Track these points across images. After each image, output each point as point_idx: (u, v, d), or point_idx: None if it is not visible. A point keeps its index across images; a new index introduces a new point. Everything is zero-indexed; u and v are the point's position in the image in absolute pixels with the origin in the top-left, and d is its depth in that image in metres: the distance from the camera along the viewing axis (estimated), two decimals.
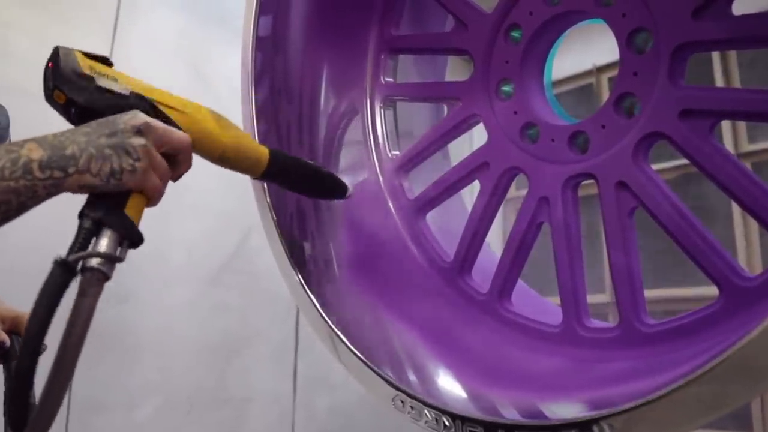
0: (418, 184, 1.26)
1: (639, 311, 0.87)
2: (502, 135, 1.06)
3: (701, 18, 0.81)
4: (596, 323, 0.95)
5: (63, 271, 0.65)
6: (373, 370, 0.98)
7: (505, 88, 1.08)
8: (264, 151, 0.92)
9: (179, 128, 0.79)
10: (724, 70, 2.68)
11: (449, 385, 0.97)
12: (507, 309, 1.05)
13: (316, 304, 1.09)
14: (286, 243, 1.14)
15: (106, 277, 0.69)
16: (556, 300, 1.00)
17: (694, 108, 0.82)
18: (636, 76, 0.88)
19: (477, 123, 1.13)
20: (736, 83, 2.69)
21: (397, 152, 1.33)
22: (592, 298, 0.96)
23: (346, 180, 1.06)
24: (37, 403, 0.65)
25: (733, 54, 2.68)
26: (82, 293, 0.67)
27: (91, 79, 0.73)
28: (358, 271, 1.20)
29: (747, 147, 2.66)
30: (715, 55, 2.69)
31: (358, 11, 1.30)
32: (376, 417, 2.42)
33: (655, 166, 0.88)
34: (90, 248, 0.67)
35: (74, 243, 0.67)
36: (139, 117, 0.72)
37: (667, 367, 0.75)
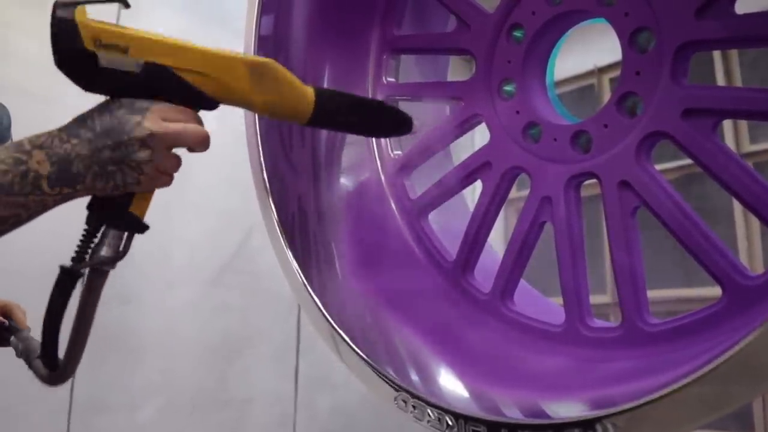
0: (420, 184, 1.26)
1: (642, 311, 0.87)
2: (504, 135, 1.06)
3: (704, 17, 0.81)
4: (599, 323, 0.94)
5: (68, 278, 0.71)
6: (375, 370, 0.98)
7: (507, 88, 1.08)
8: (308, 99, 0.79)
9: (204, 97, 0.71)
10: (725, 70, 2.68)
11: (452, 384, 0.97)
12: (509, 309, 1.05)
13: (318, 303, 1.08)
14: (287, 242, 1.14)
15: (110, 270, 0.74)
16: (558, 301, 1.00)
17: (697, 107, 0.82)
18: (638, 76, 0.88)
19: (479, 123, 1.13)
20: (738, 83, 2.69)
21: (399, 152, 1.33)
22: (593, 299, 0.96)
23: (347, 180, 1.06)
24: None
25: (734, 54, 2.68)
26: (88, 288, 0.73)
27: (93, 57, 0.65)
28: (360, 270, 1.20)
29: (748, 147, 2.66)
30: (717, 56, 2.69)
31: (360, 11, 1.30)
32: (377, 417, 2.42)
33: (656, 167, 0.88)
34: (93, 254, 0.71)
35: (80, 245, 0.71)
36: (145, 127, 0.68)
37: (669, 366, 0.75)
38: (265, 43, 1.19)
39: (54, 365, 0.77)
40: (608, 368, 0.87)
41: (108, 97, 0.71)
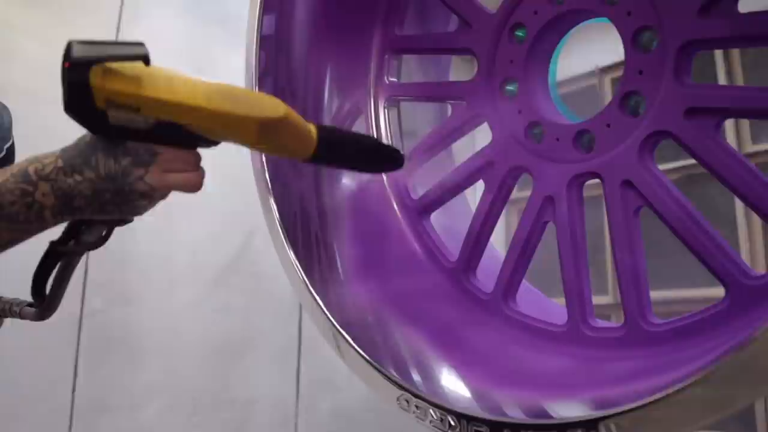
0: (422, 184, 1.26)
1: (644, 311, 0.87)
2: (507, 134, 1.06)
3: (707, 16, 0.81)
4: (601, 323, 0.94)
5: (55, 254, 0.79)
6: (378, 370, 0.97)
7: (510, 88, 1.08)
8: (311, 143, 0.78)
9: (208, 140, 0.73)
10: (727, 71, 2.67)
11: (454, 384, 0.97)
12: (512, 309, 1.05)
13: (321, 304, 1.08)
14: (290, 245, 1.14)
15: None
16: (561, 301, 1.00)
17: (700, 106, 0.81)
18: (641, 75, 0.87)
19: (481, 122, 1.13)
20: (740, 83, 2.68)
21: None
22: (595, 300, 0.96)
23: (349, 180, 1.06)
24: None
25: (736, 54, 2.68)
26: (65, 264, 0.81)
27: (104, 116, 0.65)
28: (362, 271, 1.20)
29: (750, 148, 2.65)
30: (719, 56, 2.69)
31: (362, 11, 1.30)
32: (379, 419, 2.41)
33: (659, 167, 0.88)
34: (78, 237, 0.78)
35: (68, 227, 0.77)
36: (146, 182, 0.70)
37: (672, 366, 0.75)
38: (266, 43, 1.19)
39: (42, 301, 0.86)
40: (611, 368, 0.87)
41: None
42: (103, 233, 0.78)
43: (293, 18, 1.25)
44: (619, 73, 0.91)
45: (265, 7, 1.18)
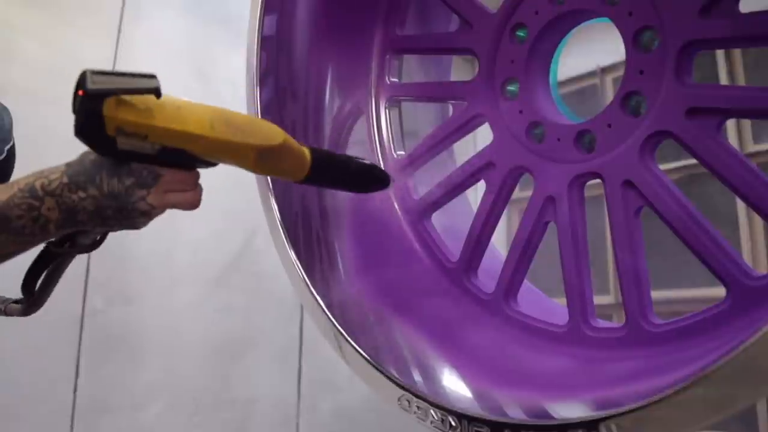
0: (423, 184, 1.26)
1: (645, 311, 0.87)
2: (508, 134, 1.06)
3: (708, 16, 0.81)
4: (603, 323, 0.94)
5: (50, 254, 0.82)
6: (379, 370, 0.97)
7: (511, 88, 1.08)
8: (305, 167, 0.83)
9: (208, 162, 0.77)
10: (729, 71, 2.67)
11: (455, 384, 0.97)
12: (513, 309, 1.05)
13: (322, 304, 1.08)
14: (291, 244, 1.14)
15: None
16: (563, 301, 1.00)
17: (701, 106, 0.81)
18: (642, 75, 0.87)
19: (482, 123, 1.13)
20: (741, 83, 2.68)
21: (402, 152, 1.33)
22: (596, 300, 0.96)
23: None
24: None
25: (738, 54, 2.67)
26: (58, 264, 0.85)
27: (112, 141, 0.68)
28: (364, 271, 1.20)
29: (752, 147, 2.65)
30: (720, 56, 2.68)
31: (363, 11, 1.30)
32: (381, 419, 2.41)
33: (660, 167, 0.88)
34: (73, 240, 0.80)
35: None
36: (148, 203, 0.73)
37: (673, 367, 0.74)
38: (267, 44, 1.19)
39: (30, 296, 0.88)
40: (612, 369, 0.86)
41: None
42: (98, 237, 0.82)
43: (294, 18, 1.25)
44: (620, 73, 0.91)
45: (266, 8, 1.18)
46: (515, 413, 0.84)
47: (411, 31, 1.31)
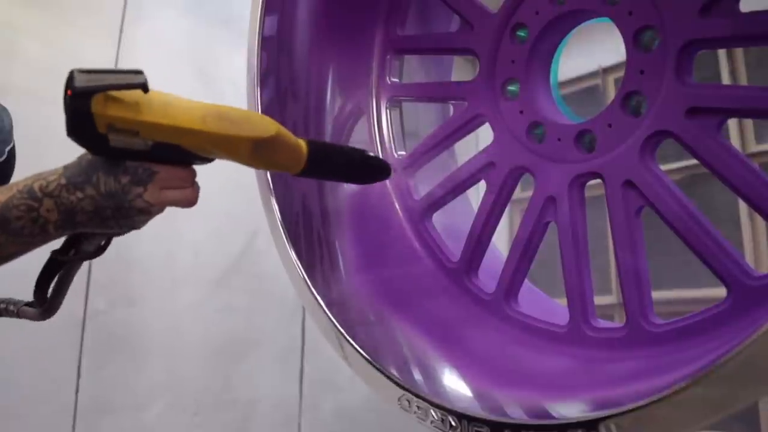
0: (424, 184, 1.26)
1: (646, 311, 0.87)
2: (508, 135, 1.06)
3: (708, 15, 0.81)
4: (603, 323, 0.94)
5: (56, 263, 0.83)
6: (380, 371, 0.97)
7: (511, 88, 1.08)
8: (302, 159, 0.83)
9: (204, 158, 0.77)
10: (731, 70, 2.67)
11: (455, 384, 0.97)
12: (513, 309, 1.05)
13: (323, 304, 1.08)
14: (291, 244, 1.14)
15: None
16: (564, 302, 1.00)
17: (702, 106, 0.81)
18: (643, 75, 0.87)
19: (483, 123, 1.13)
20: (744, 83, 2.67)
21: (403, 152, 1.33)
22: (598, 300, 0.96)
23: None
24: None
25: (739, 54, 2.67)
26: (67, 271, 0.85)
27: (105, 139, 0.69)
28: (364, 271, 1.20)
29: (754, 147, 2.65)
30: (722, 55, 2.68)
31: (364, 11, 1.30)
32: (382, 420, 2.41)
33: (661, 167, 0.88)
34: (77, 247, 0.81)
35: (67, 238, 0.81)
36: (145, 200, 0.73)
37: (674, 366, 0.74)
38: (268, 44, 1.19)
39: (43, 303, 0.89)
40: (612, 369, 0.86)
41: None
42: (102, 243, 0.83)
43: (295, 18, 1.25)
44: (622, 73, 0.91)
45: (267, 8, 1.18)
46: (515, 413, 0.84)
47: (412, 31, 1.32)
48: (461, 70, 1.56)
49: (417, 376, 0.99)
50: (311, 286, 1.10)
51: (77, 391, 1.82)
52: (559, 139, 0.99)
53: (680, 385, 0.63)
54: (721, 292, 0.80)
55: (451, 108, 1.25)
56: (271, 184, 1.16)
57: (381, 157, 1.24)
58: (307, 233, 1.19)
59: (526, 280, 1.07)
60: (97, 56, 1.87)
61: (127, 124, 0.68)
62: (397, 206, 1.27)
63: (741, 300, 0.78)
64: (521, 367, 0.96)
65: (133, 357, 1.97)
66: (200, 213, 2.11)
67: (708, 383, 0.62)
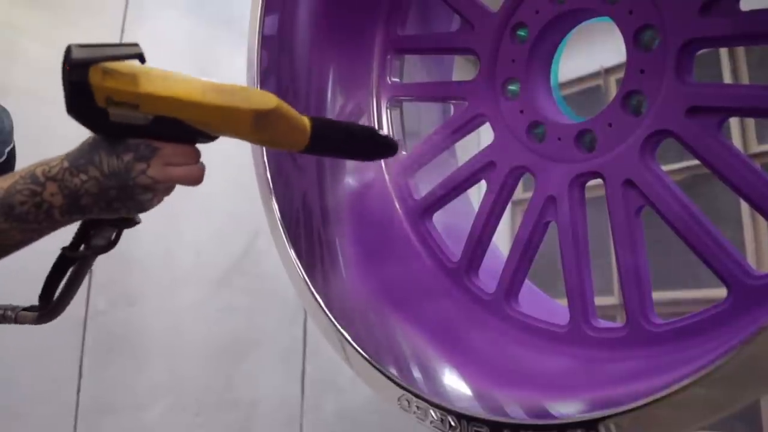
0: (424, 184, 1.26)
1: (646, 311, 0.87)
2: (509, 134, 1.06)
3: (708, 14, 0.80)
4: (604, 323, 0.94)
5: (66, 259, 0.83)
6: (380, 371, 0.97)
7: (512, 88, 1.08)
8: (305, 133, 0.81)
9: (206, 134, 0.75)
10: (732, 69, 2.66)
11: (455, 384, 0.96)
12: (514, 309, 1.05)
13: (323, 305, 1.08)
14: (292, 244, 1.14)
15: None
16: (564, 302, 0.99)
17: (702, 105, 0.81)
18: (643, 74, 0.87)
19: (483, 122, 1.12)
20: (746, 82, 2.67)
21: (404, 152, 1.33)
22: (600, 300, 0.96)
23: (352, 180, 1.06)
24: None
25: (741, 53, 2.67)
26: (80, 266, 0.85)
27: (104, 113, 0.68)
28: (365, 271, 1.20)
29: (756, 147, 2.64)
30: (724, 55, 2.68)
31: (364, 11, 1.30)
32: (383, 420, 2.41)
33: (662, 168, 0.88)
34: (88, 242, 0.81)
35: (78, 233, 0.80)
36: (148, 175, 0.72)
37: (674, 366, 0.74)
38: (269, 43, 1.19)
39: (48, 305, 0.88)
40: (612, 369, 0.86)
41: None
42: (112, 237, 0.81)
43: (296, 17, 1.25)
44: (623, 73, 0.90)
45: (267, 7, 1.18)
46: (515, 413, 0.84)
47: (412, 31, 1.31)
48: (462, 70, 1.56)
49: (417, 375, 0.99)
50: (311, 286, 1.10)
51: (78, 391, 1.82)
52: (559, 139, 0.99)
53: (680, 385, 0.63)
54: (721, 292, 0.80)
55: (452, 108, 1.25)
56: (271, 184, 1.16)
57: (383, 166, 1.24)
58: (307, 233, 1.19)
59: (526, 280, 1.07)
60: None
61: (126, 97, 0.68)
62: (397, 206, 1.27)
63: (741, 300, 0.77)
64: (521, 367, 0.96)
65: (135, 357, 1.98)
66: (201, 212, 2.11)
67: (708, 383, 0.61)
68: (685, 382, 0.62)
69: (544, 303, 1.15)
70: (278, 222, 1.14)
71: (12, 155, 1.02)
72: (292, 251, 1.13)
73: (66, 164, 0.72)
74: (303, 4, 1.25)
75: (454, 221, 1.25)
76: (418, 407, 0.90)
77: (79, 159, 0.72)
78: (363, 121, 1.33)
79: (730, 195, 0.81)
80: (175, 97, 0.70)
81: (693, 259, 0.84)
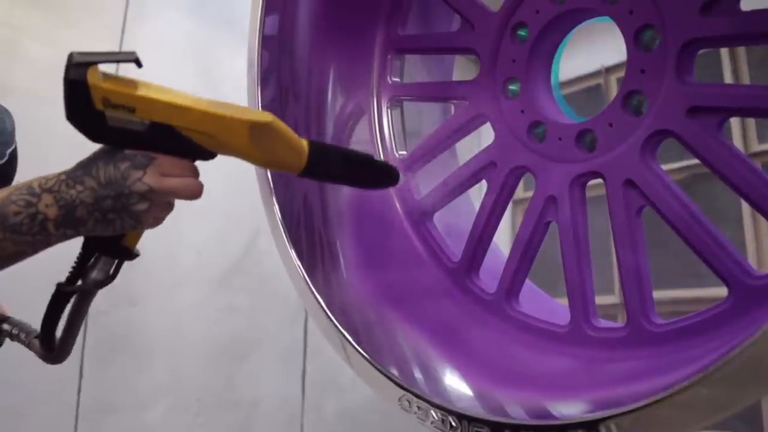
0: (425, 184, 1.26)
1: (647, 311, 0.87)
2: (509, 134, 1.06)
3: (709, 14, 0.80)
4: (604, 323, 0.94)
5: (62, 295, 0.81)
6: (380, 371, 0.97)
7: (512, 87, 1.08)
8: (303, 155, 0.81)
9: (203, 150, 0.76)
10: (733, 69, 2.66)
11: (456, 385, 0.96)
12: (514, 309, 1.05)
13: (323, 305, 1.08)
14: (292, 245, 1.14)
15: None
16: (565, 302, 0.99)
17: (702, 105, 0.81)
18: (643, 74, 0.87)
19: (484, 122, 1.12)
20: (746, 82, 2.67)
21: (405, 152, 1.33)
22: (600, 300, 0.96)
23: None
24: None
25: (742, 52, 2.67)
26: (78, 302, 0.83)
27: (102, 116, 0.69)
28: (366, 271, 1.20)
29: (756, 147, 2.64)
30: (724, 55, 2.68)
31: (365, 11, 1.30)
32: (384, 420, 2.41)
33: (663, 167, 0.88)
34: (85, 277, 0.80)
35: (74, 267, 0.80)
36: (145, 182, 0.72)
37: (675, 366, 0.74)
38: (269, 43, 1.19)
39: (51, 350, 0.87)
40: (613, 369, 0.86)
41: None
42: (111, 271, 0.81)
43: (296, 17, 1.25)
44: (623, 73, 0.90)
45: (268, 7, 1.18)
46: (516, 413, 0.84)
47: (412, 30, 1.31)
48: (463, 70, 1.56)
49: (417, 376, 0.99)
50: (312, 287, 1.10)
51: (79, 391, 1.83)
52: (560, 139, 0.99)
53: (681, 385, 0.63)
54: (722, 291, 0.80)
55: (452, 107, 1.25)
56: (271, 184, 1.16)
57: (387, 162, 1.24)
58: (308, 233, 1.19)
59: (527, 280, 1.07)
60: None
61: (123, 99, 0.69)
62: (398, 206, 1.27)
63: (742, 299, 0.77)
64: (522, 367, 0.96)
65: (136, 357, 1.98)
66: (202, 213, 2.11)
67: (709, 383, 0.61)
68: (687, 382, 0.62)
69: (545, 303, 1.15)
70: (279, 222, 1.14)
71: (14, 156, 1.02)
72: (293, 252, 1.13)
73: (63, 177, 0.73)
74: (303, 4, 1.25)
75: (454, 221, 1.25)
76: (419, 407, 0.90)
77: (76, 171, 0.73)
78: (363, 122, 1.33)
79: (731, 195, 0.81)
80: (171, 103, 0.71)
81: (693, 258, 0.84)
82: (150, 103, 0.70)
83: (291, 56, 1.25)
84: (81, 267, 0.80)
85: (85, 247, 0.79)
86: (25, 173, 0.84)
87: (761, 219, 2.42)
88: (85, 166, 0.73)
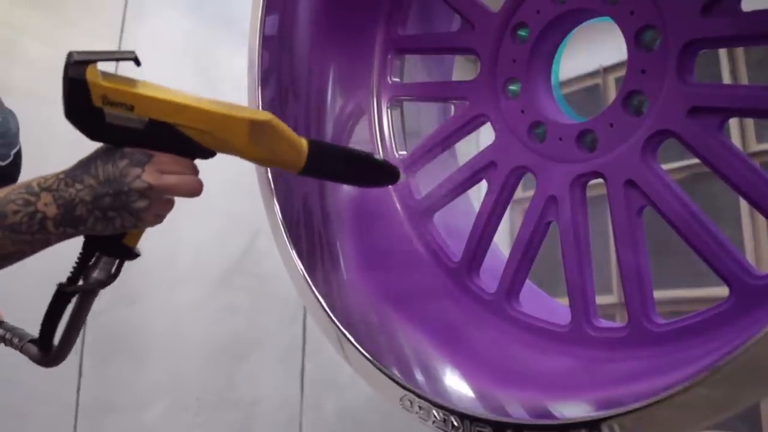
0: (425, 183, 1.26)
1: (648, 310, 0.87)
2: (510, 134, 1.06)
3: (710, 14, 0.80)
4: (605, 323, 0.94)
5: (63, 296, 0.81)
6: (381, 371, 0.97)
7: (512, 87, 1.08)
8: (302, 154, 0.82)
9: (202, 149, 0.76)
10: (732, 69, 2.66)
11: (457, 385, 0.96)
12: (515, 309, 1.05)
13: (324, 305, 1.08)
14: (292, 244, 1.14)
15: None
16: (566, 301, 0.99)
17: (703, 105, 0.81)
18: (644, 74, 0.87)
19: (484, 122, 1.12)
20: (745, 83, 2.67)
21: (405, 152, 1.33)
22: (600, 299, 0.96)
23: None
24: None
25: (740, 53, 2.67)
26: (80, 303, 0.83)
27: (100, 113, 0.69)
28: (366, 271, 1.20)
29: (755, 147, 2.65)
30: (723, 55, 2.68)
31: (365, 11, 1.29)
32: (384, 419, 2.41)
33: (662, 166, 0.88)
34: (86, 277, 0.79)
35: (75, 267, 0.79)
36: (144, 180, 0.72)
37: (675, 366, 0.74)
38: (269, 43, 1.19)
39: (49, 352, 0.86)
40: (614, 369, 0.86)
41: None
42: (112, 271, 0.81)
43: (296, 17, 1.25)
44: (622, 72, 0.90)
45: (268, 7, 1.18)
46: (517, 413, 0.84)
47: (413, 30, 1.31)
48: (463, 70, 1.56)
49: (419, 376, 0.99)
50: (312, 286, 1.10)
51: (78, 390, 1.82)
52: (560, 139, 0.99)
53: (682, 385, 0.63)
54: (723, 291, 0.80)
55: (452, 108, 1.25)
56: (272, 184, 1.16)
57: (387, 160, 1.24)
58: (308, 233, 1.19)
59: (527, 280, 1.07)
60: None
61: (122, 96, 0.69)
62: (398, 206, 1.27)
63: (743, 299, 0.78)
64: (523, 367, 0.96)
65: (135, 356, 1.98)
66: (202, 212, 2.11)
67: (710, 383, 0.61)
68: (688, 382, 0.63)
69: (545, 303, 1.15)
70: (279, 222, 1.14)
71: (18, 157, 1.03)
72: (294, 252, 1.13)
73: (62, 176, 0.73)
74: (303, 3, 1.25)
75: (454, 221, 1.25)
76: (420, 407, 0.90)
77: (75, 170, 0.73)
78: (363, 122, 1.33)
79: (730, 194, 0.81)
80: (169, 100, 0.72)
81: (694, 257, 0.84)
82: (148, 101, 0.71)
83: (291, 56, 1.25)
84: (82, 267, 0.80)
85: (86, 246, 0.79)
86: (25, 173, 0.84)
87: (760, 219, 2.43)
88: (84, 164, 0.73)
